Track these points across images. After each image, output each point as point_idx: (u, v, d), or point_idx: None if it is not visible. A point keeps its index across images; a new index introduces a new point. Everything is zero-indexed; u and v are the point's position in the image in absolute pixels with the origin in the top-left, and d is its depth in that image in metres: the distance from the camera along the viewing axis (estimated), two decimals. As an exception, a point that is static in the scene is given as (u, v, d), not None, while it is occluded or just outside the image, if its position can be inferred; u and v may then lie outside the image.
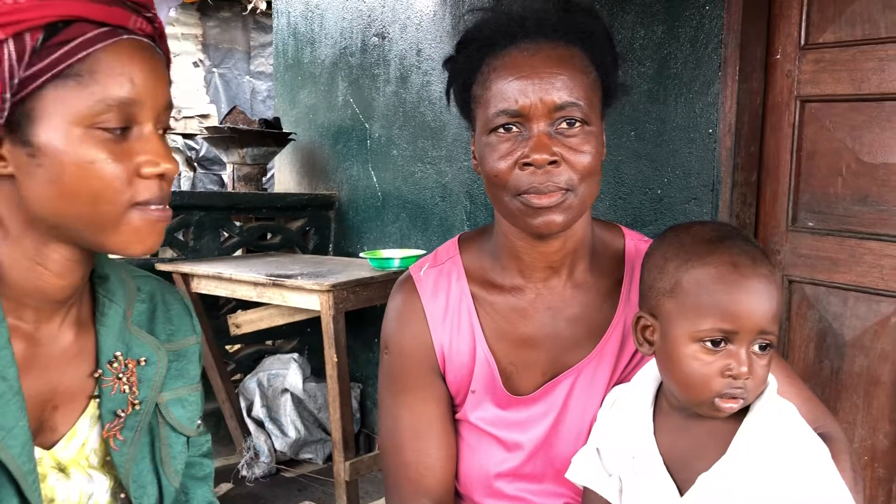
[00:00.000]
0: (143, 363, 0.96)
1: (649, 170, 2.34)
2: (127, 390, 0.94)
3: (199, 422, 1.06)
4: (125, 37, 0.83)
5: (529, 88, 1.01)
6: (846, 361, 2.01)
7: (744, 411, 1.03)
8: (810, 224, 2.08)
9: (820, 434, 1.03)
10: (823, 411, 1.16)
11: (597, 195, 1.10)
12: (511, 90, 1.02)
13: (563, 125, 1.03)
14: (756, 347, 0.98)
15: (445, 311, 1.17)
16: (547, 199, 1.02)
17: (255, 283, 2.82)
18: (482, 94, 1.06)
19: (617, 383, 1.17)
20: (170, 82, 0.91)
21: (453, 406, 1.21)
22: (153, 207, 0.85)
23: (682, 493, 1.06)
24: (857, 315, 1.99)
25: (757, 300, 0.97)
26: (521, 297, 1.16)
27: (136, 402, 0.95)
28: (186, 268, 3.05)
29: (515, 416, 1.17)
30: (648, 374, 1.12)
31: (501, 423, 1.17)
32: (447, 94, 1.16)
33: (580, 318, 1.16)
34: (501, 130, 1.04)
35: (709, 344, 0.98)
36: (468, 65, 1.09)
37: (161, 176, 0.85)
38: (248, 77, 5.82)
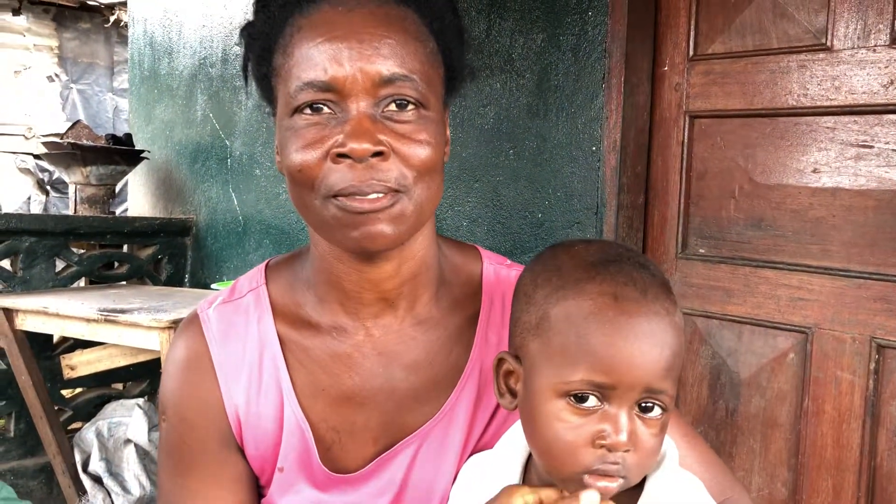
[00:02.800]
0: None
1: (529, 192, 2.12)
2: None
3: None
4: None
5: (345, 54, 0.74)
6: (742, 402, 1.83)
7: (639, 489, 0.78)
8: (701, 251, 1.90)
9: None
10: (730, 480, 0.93)
11: (438, 202, 0.84)
12: (320, 56, 0.75)
13: (392, 107, 0.76)
14: (640, 409, 0.74)
15: (241, 360, 0.88)
16: (370, 203, 0.75)
17: (87, 319, 2.44)
18: (283, 63, 0.79)
19: (475, 451, 0.90)
20: None
21: (258, 489, 0.91)
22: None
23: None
24: (752, 351, 1.81)
25: (642, 347, 0.72)
26: (345, 340, 0.87)
27: None
28: (9, 301, 2.63)
29: (340, 501, 0.87)
30: (516, 439, 0.86)
31: None
32: (244, 69, 0.88)
33: (424, 365, 0.88)
34: (308, 111, 0.76)
35: (577, 401, 0.73)
36: (268, 27, 0.82)
37: None
38: (110, 94, 5.35)
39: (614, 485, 0.74)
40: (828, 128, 1.68)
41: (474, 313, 0.91)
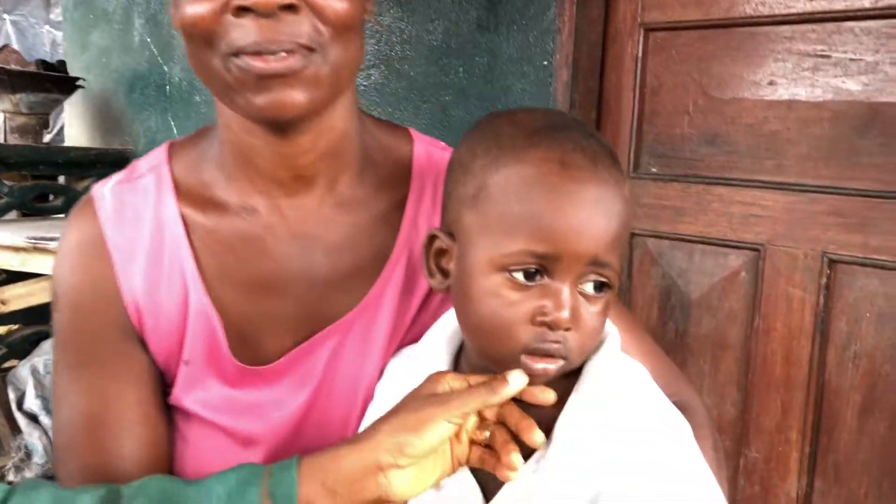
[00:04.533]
0: None
1: (479, 110, 2.03)
2: None
3: None
4: None
5: None
6: (692, 323, 1.79)
7: (576, 377, 0.72)
8: (654, 169, 1.84)
9: (675, 405, 0.74)
10: (676, 374, 0.87)
11: (357, 67, 0.75)
12: None
13: None
14: (587, 286, 0.68)
15: (139, 244, 0.79)
16: (278, 63, 0.67)
17: (15, 248, 2.32)
18: None
19: (403, 343, 0.83)
20: None
21: (164, 385, 0.83)
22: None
23: (488, 499, 0.75)
24: (703, 271, 1.77)
25: (590, 214, 0.66)
26: (256, 222, 0.79)
27: None
28: (-70, 233, 2.48)
29: (252, 398, 0.80)
30: (446, 330, 0.79)
31: (231, 407, 0.80)
32: None
33: (345, 250, 0.81)
34: None
35: (517, 275, 0.67)
36: None
37: None
38: (47, 27, 5.08)
39: (554, 366, 0.68)
40: (785, 37, 1.61)
41: (403, 197, 0.83)
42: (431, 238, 0.73)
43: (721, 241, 1.73)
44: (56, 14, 5.65)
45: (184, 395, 0.80)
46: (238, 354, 0.79)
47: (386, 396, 0.80)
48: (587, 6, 1.84)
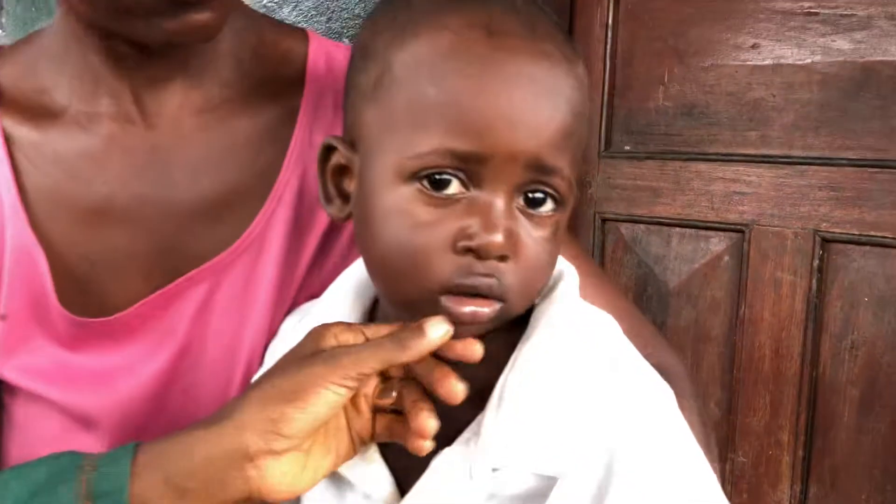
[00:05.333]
0: None
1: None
2: None
3: None
4: None
5: None
6: (671, 314, 1.62)
7: (520, 329, 0.55)
8: (627, 147, 1.68)
9: (653, 367, 0.57)
10: (652, 331, 0.71)
11: None
12: None
13: None
14: (524, 199, 0.51)
15: None
16: None
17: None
18: None
19: (300, 295, 0.65)
20: None
21: None
22: None
23: (403, 492, 0.56)
24: (682, 256, 1.60)
25: (527, 96, 0.48)
26: (99, 130, 0.61)
27: None
28: None
29: (94, 363, 0.62)
30: (356, 278, 0.61)
31: (66, 376, 0.62)
32: None
33: (217, 169, 0.63)
34: None
35: (432, 185, 0.49)
36: None
37: None
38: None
39: (487, 310, 0.49)
40: (769, -6, 1.46)
41: (294, 106, 0.65)
42: (327, 149, 0.55)
43: (701, 223, 1.57)
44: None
45: (3, 363, 0.61)
46: (70, 304, 0.60)
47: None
48: (552, -29, 1.69)
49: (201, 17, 0.53)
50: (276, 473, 0.47)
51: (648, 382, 0.55)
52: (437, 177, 0.48)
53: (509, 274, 0.49)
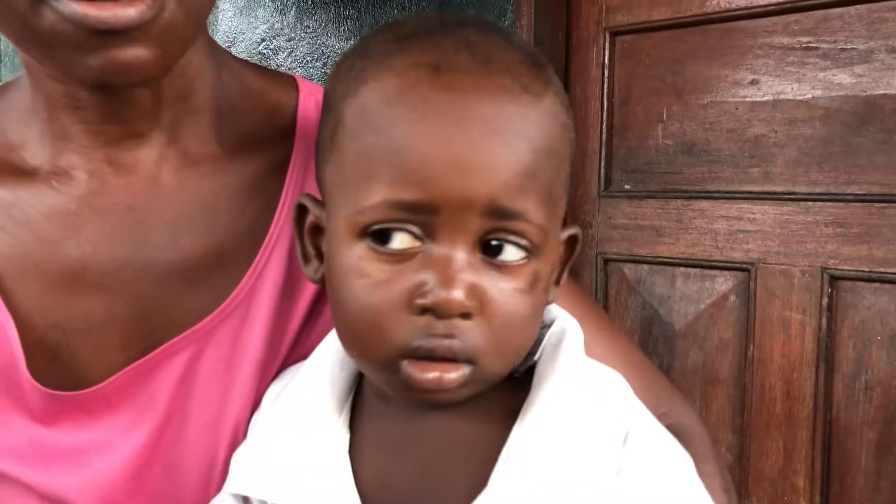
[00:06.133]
0: None
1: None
2: None
3: None
4: None
5: None
6: (677, 356, 1.58)
7: (520, 395, 0.51)
8: (627, 186, 1.65)
9: (667, 429, 0.53)
10: (666, 387, 0.66)
11: (213, 3, 0.55)
12: None
13: None
14: (488, 249, 0.46)
15: None
16: (118, 10, 0.46)
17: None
18: None
19: (288, 361, 0.61)
20: None
21: None
22: None
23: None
24: (687, 297, 1.57)
25: (475, 135, 0.44)
26: (69, 190, 0.58)
27: None
28: None
29: (69, 440, 0.58)
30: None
31: (38, 454, 0.58)
32: None
33: (200, 228, 0.60)
34: None
35: (379, 241, 0.46)
36: None
37: None
38: None
39: (453, 375, 0.45)
40: (766, 31, 1.45)
41: (284, 158, 0.62)
42: (301, 209, 0.52)
43: (706, 263, 1.54)
44: None
45: (-26, 438, 0.58)
46: (43, 376, 0.56)
47: (266, 433, 0.57)
48: (547, 10, 1.68)
49: (128, 54, 0.47)
50: None
51: (663, 450, 0.51)
52: (386, 232, 0.45)
53: (475, 333, 0.44)
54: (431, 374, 0.44)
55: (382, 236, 0.44)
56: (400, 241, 0.44)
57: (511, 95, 0.45)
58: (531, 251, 0.46)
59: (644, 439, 0.50)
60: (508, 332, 0.46)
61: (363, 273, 0.45)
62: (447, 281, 0.43)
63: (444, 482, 0.49)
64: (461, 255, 0.44)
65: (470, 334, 0.44)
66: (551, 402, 0.50)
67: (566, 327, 0.54)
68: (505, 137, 0.44)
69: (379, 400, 0.53)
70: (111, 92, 0.55)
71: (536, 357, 0.53)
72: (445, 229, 0.44)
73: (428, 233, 0.44)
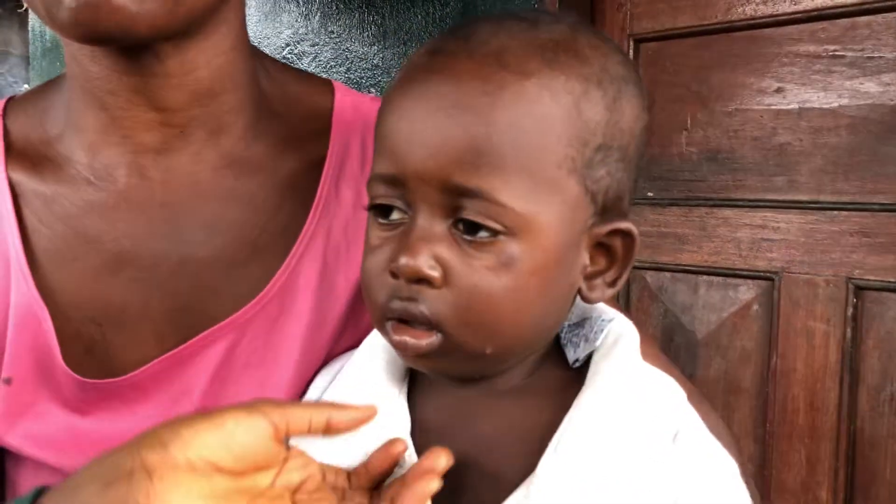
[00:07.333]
0: None
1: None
2: None
3: None
4: None
5: None
6: (700, 365, 1.57)
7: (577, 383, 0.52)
8: (650, 194, 1.64)
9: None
10: (699, 399, 0.66)
11: None
12: None
13: None
14: (461, 224, 0.46)
15: None
16: None
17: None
18: None
19: (333, 352, 0.62)
20: None
21: None
22: None
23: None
24: (710, 305, 1.56)
25: (429, 113, 0.46)
26: (110, 185, 0.59)
27: None
28: None
29: (105, 428, 0.59)
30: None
31: (76, 443, 0.58)
32: None
33: (236, 224, 0.60)
34: None
35: (377, 212, 0.50)
36: None
37: None
38: (26, 85, 4.97)
39: (422, 342, 0.47)
40: (792, 38, 1.44)
41: (320, 156, 0.63)
42: None
43: (729, 271, 1.53)
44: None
45: (8, 430, 0.58)
46: (77, 365, 0.57)
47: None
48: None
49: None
50: (169, 482, 0.39)
51: (711, 452, 0.51)
52: (380, 203, 0.48)
53: (438, 301, 0.46)
54: (401, 336, 0.47)
55: (384, 210, 0.48)
56: (386, 211, 0.48)
57: (481, 75, 0.45)
58: (500, 231, 0.46)
59: (693, 440, 0.50)
60: (476, 306, 0.46)
61: (367, 240, 0.50)
62: (405, 248, 0.46)
63: (495, 464, 0.50)
64: (435, 227, 0.46)
65: (432, 301, 0.46)
66: (604, 396, 0.50)
67: (624, 328, 0.54)
68: (461, 114, 0.45)
69: (432, 378, 0.53)
70: (132, 73, 0.55)
71: (597, 344, 0.53)
72: (418, 202, 0.46)
73: (408, 205, 0.47)
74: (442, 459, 0.45)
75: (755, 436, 1.50)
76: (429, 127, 0.45)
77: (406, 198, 0.47)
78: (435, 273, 0.46)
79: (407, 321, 0.47)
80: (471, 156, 0.45)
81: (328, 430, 0.45)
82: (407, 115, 0.46)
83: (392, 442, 0.48)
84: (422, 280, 0.46)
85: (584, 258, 0.50)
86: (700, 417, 0.60)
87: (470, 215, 0.45)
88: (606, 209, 0.50)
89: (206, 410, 0.43)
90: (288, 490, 0.44)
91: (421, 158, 0.45)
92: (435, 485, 0.44)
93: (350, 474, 0.48)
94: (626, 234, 0.50)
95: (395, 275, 0.46)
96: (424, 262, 0.45)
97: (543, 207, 0.46)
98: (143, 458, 0.40)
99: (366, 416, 0.47)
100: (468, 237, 0.46)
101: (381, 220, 0.48)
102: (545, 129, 0.46)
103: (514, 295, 0.47)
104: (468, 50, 0.47)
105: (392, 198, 0.48)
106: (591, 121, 0.47)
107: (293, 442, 0.47)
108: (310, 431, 0.45)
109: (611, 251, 0.51)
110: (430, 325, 0.46)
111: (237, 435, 0.42)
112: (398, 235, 0.47)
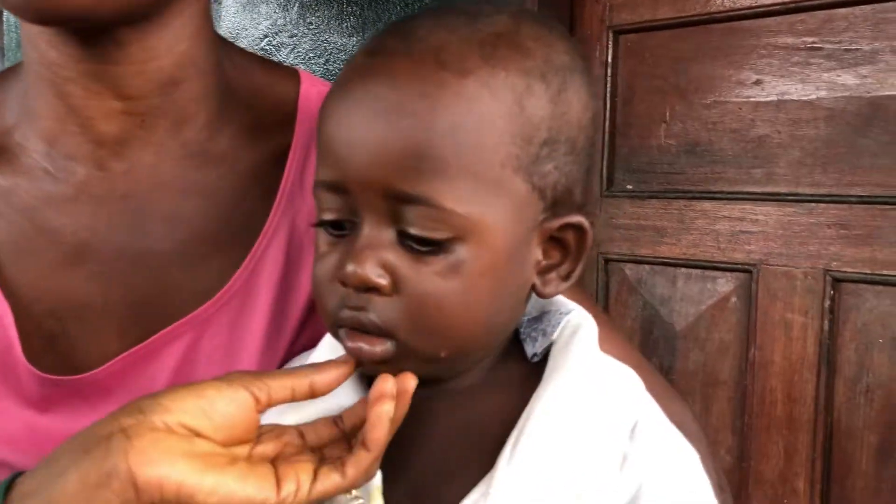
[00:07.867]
0: None
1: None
2: None
3: None
4: None
5: None
6: (678, 357, 1.57)
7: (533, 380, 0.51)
8: (629, 186, 1.64)
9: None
10: (665, 387, 0.66)
11: None
12: None
13: None
14: (411, 239, 0.45)
15: None
16: None
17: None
18: None
19: (294, 344, 0.61)
20: None
21: None
22: None
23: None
24: (688, 298, 1.56)
25: (367, 117, 0.44)
26: (66, 177, 0.58)
27: None
28: None
29: (65, 426, 0.57)
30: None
31: (35, 441, 0.57)
32: None
33: (198, 217, 0.59)
34: None
35: (322, 220, 0.49)
36: None
37: None
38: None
39: (377, 348, 0.46)
40: (770, 30, 1.44)
41: (284, 148, 0.62)
42: None
43: (708, 264, 1.53)
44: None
45: (-35, 426, 0.57)
46: (38, 361, 0.56)
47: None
48: (550, 9, 1.67)
49: None
50: (148, 441, 0.38)
51: (670, 443, 0.51)
52: (325, 209, 0.47)
53: (388, 309, 0.45)
54: (355, 343, 0.46)
55: (322, 215, 0.47)
56: (333, 222, 0.47)
57: (419, 75, 0.44)
58: (446, 239, 0.44)
59: (651, 431, 0.50)
60: (427, 312, 0.45)
61: (317, 247, 0.48)
62: (352, 256, 0.45)
63: (456, 463, 0.49)
64: (382, 234, 0.45)
65: (381, 309, 0.45)
66: (562, 390, 0.49)
67: (582, 320, 0.53)
68: (400, 119, 0.43)
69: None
70: (90, 59, 0.54)
71: (554, 338, 0.52)
72: (363, 209, 0.45)
73: (353, 212, 0.46)
74: (389, 383, 0.44)
75: (733, 427, 1.50)
76: (368, 133, 0.44)
77: (351, 204, 0.45)
78: (383, 281, 0.44)
79: (358, 329, 0.46)
80: (412, 161, 0.43)
81: (313, 393, 0.45)
82: (346, 121, 0.44)
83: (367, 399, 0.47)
84: (371, 288, 0.45)
85: (537, 254, 0.49)
86: (664, 405, 0.59)
87: (414, 229, 0.44)
88: (557, 203, 0.48)
89: (186, 382, 0.42)
90: (266, 459, 0.44)
91: (362, 166, 0.44)
92: (389, 406, 0.43)
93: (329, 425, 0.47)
94: (577, 228, 0.49)
95: (344, 283, 0.45)
96: (372, 271, 0.44)
97: (489, 208, 0.45)
98: (120, 423, 0.40)
99: (346, 366, 0.46)
100: (415, 246, 0.45)
101: (327, 229, 0.47)
102: (486, 128, 0.44)
103: (466, 298, 0.46)
104: (406, 49, 0.45)
105: (338, 210, 0.46)
106: (535, 116, 0.46)
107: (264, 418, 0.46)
108: (293, 398, 0.44)
109: (564, 244, 0.50)
110: (381, 333, 0.45)
111: (217, 404, 0.41)
112: (345, 243, 0.46)
